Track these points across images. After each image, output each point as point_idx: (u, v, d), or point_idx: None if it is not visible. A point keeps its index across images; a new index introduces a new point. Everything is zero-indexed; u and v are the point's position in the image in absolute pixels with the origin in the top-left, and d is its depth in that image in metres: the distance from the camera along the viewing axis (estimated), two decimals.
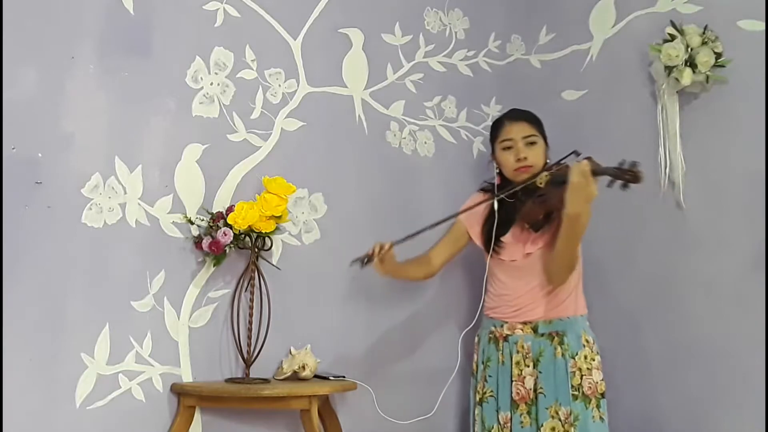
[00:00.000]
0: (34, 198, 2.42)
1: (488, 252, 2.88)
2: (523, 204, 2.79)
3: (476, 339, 2.97)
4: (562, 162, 2.76)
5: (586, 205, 2.60)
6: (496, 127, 2.94)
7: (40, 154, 2.44)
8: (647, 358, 2.98)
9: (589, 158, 2.64)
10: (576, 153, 2.66)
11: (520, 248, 2.86)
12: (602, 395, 2.78)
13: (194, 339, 2.68)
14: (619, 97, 3.07)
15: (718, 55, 2.84)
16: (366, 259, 2.68)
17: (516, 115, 2.92)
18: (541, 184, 2.74)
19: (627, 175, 2.49)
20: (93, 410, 2.48)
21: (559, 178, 2.69)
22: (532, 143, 2.85)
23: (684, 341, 2.89)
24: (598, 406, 2.76)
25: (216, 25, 2.78)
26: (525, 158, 2.83)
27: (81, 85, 2.52)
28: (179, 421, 2.58)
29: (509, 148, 2.86)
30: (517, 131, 2.86)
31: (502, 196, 2.80)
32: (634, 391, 2.99)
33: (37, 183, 2.43)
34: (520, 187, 2.75)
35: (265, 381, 2.68)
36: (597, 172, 2.56)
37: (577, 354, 2.78)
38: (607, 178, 2.54)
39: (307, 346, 2.80)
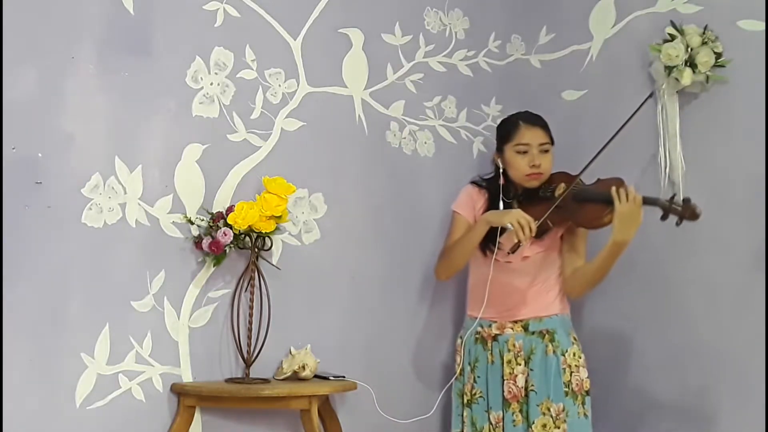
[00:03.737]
0: (34, 198, 2.42)
1: (483, 251, 2.88)
2: (525, 207, 2.79)
3: (459, 341, 2.96)
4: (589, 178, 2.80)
5: (634, 232, 2.65)
6: (511, 128, 2.93)
7: (40, 154, 2.44)
8: (646, 358, 2.98)
9: (622, 181, 2.66)
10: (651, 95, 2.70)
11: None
12: (587, 392, 2.80)
13: (194, 339, 2.67)
14: (619, 97, 3.06)
15: (718, 55, 2.85)
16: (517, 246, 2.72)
17: (532, 120, 2.93)
18: (557, 194, 2.78)
19: (686, 213, 2.56)
20: (93, 410, 2.48)
21: (584, 195, 2.72)
22: (546, 151, 2.88)
23: (683, 341, 2.90)
24: (583, 403, 2.79)
25: (216, 25, 2.78)
26: (539, 165, 2.84)
27: (81, 85, 2.52)
28: (179, 421, 2.59)
29: (524, 152, 2.87)
30: (534, 137, 2.87)
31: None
32: (634, 391, 2.99)
33: (37, 183, 2.43)
34: (554, 206, 2.78)
35: (265, 381, 2.68)
36: (647, 201, 2.63)
37: (567, 351, 2.80)
38: (658, 211, 2.61)
39: (307, 346, 2.80)
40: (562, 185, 2.82)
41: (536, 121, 2.93)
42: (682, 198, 2.60)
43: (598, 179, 2.81)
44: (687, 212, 2.56)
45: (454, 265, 2.91)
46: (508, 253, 2.77)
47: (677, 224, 2.59)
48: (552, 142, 2.91)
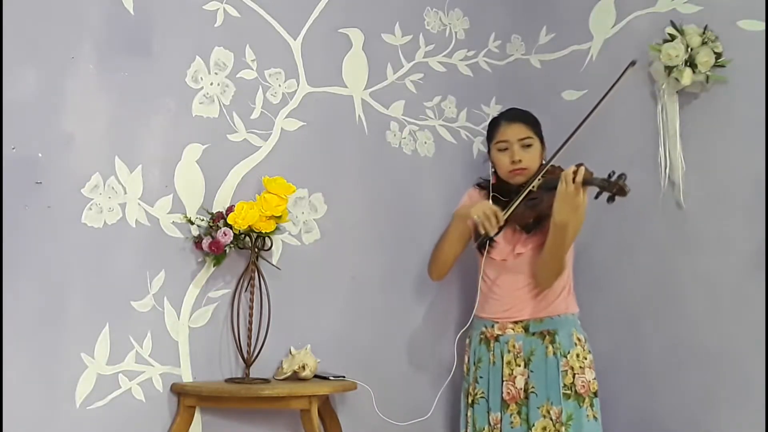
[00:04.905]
0: (34, 198, 2.42)
1: (480, 250, 2.88)
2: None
3: (467, 340, 2.97)
4: (556, 166, 2.78)
5: (574, 214, 2.61)
6: (493, 127, 2.95)
7: (40, 154, 2.44)
8: (647, 358, 2.98)
9: (581, 165, 2.64)
10: (632, 63, 2.76)
11: (510, 248, 2.87)
12: (595, 394, 2.78)
13: (194, 339, 2.67)
14: (619, 97, 3.06)
15: (718, 55, 2.84)
16: (485, 237, 2.76)
17: (513, 115, 2.93)
18: (534, 188, 2.76)
19: (613, 188, 2.51)
20: (93, 410, 2.48)
21: (551, 183, 2.70)
22: (528, 145, 2.86)
23: (684, 341, 2.90)
24: (591, 405, 2.76)
25: (216, 25, 2.78)
26: (519, 161, 2.84)
27: (81, 85, 2.52)
28: (179, 421, 2.58)
29: (505, 149, 2.87)
30: (513, 133, 2.87)
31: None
32: (634, 391, 2.99)
33: (37, 183, 2.43)
34: (522, 194, 2.75)
35: (265, 381, 2.68)
36: (585, 182, 2.57)
37: (568, 353, 2.78)
38: (595, 189, 2.56)
39: (307, 346, 2.80)
40: (538, 178, 2.78)
41: (517, 117, 2.91)
42: (617, 174, 2.51)
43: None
44: (614, 188, 2.50)
45: (438, 263, 2.96)
46: (477, 242, 2.82)
47: (608, 201, 2.51)
48: (539, 136, 2.89)
